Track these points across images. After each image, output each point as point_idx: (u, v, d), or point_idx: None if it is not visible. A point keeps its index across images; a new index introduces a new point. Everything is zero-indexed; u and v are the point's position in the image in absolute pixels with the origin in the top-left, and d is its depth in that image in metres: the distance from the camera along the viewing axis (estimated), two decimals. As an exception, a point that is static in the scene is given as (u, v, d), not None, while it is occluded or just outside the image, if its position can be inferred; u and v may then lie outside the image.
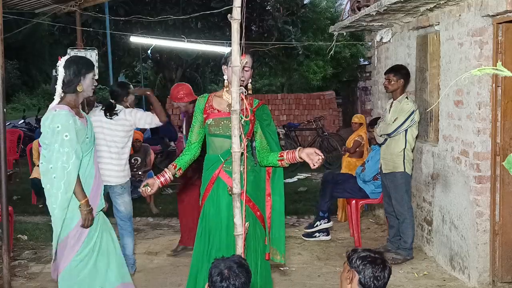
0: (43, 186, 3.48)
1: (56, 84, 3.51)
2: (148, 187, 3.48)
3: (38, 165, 8.58)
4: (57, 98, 3.49)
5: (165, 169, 3.55)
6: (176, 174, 3.55)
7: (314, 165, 3.21)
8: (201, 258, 3.49)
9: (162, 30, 13.30)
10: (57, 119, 3.37)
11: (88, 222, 3.51)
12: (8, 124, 13.95)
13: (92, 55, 6.62)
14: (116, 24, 13.63)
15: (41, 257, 5.79)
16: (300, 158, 3.29)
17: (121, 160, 5.00)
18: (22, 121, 17.07)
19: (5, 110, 4.46)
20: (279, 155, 3.41)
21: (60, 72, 3.48)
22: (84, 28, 9.31)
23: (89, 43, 12.86)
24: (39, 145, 8.70)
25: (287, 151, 3.41)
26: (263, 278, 3.52)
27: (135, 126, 5.06)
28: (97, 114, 4.96)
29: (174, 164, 3.56)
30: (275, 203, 3.56)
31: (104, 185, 4.86)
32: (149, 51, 12.69)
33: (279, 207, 3.57)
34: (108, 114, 4.94)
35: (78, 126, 3.45)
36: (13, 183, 9.89)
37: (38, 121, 15.06)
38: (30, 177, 8.72)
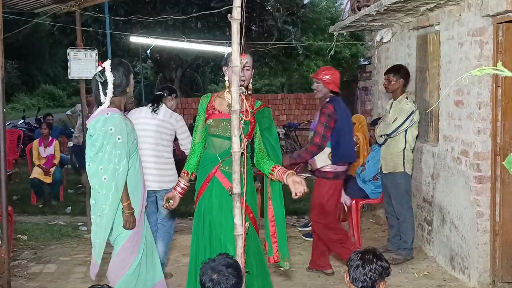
0: (91, 187, 3.52)
1: (99, 89, 3.55)
2: (171, 201, 3.59)
3: (38, 165, 8.62)
4: (107, 102, 3.54)
5: (179, 179, 3.67)
6: (190, 180, 3.67)
7: (296, 195, 3.21)
8: (195, 256, 3.53)
9: (162, 30, 13.30)
10: (110, 122, 3.43)
11: (130, 224, 3.55)
12: (8, 124, 13.95)
13: (92, 55, 6.61)
14: (116, 24, 13.64)
15: (41, 257, 5.79)
16: (286, 181, 3.27)
17: (170, 164, 4.92)
18: (22, 121, 17.06)
19: (5, 110, 4.45)
20: (271, 169, 3.40)
21: (109, 76, 3.53)
22: (84, 28, 9.30)
23: (89, 43, 12.87)
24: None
25: (279, 167, 3.37)
26: (260, 279, 3.51)
27: (177, 133, 5.02)
28: (143, 116, 4.92)
29: (185, 171, 3.65)
30: (275, 207, 3.55)
31: (151, 190, 4.82)
32: (148, 51, 12.71)
33: (279, 211, 3.56)
34: (155, 106, 4.93)
35: (129, 128, 3.54)
36: (13, 183, 9.89)
37: (38, 121, 15.05)
38: (30, 177, 8.72)
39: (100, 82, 3.54)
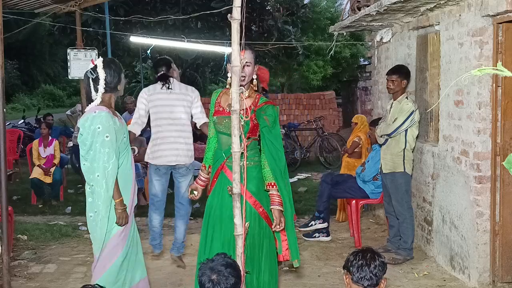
0: (87, 183, 3.56)
1: (91, 86, 3.60)
2: (195, 192, 3.75)
3: (38, 165, 8.62)
4: (98, 99, 3.59)
5: (199, 172, 3.77)
6: (208, 172, 3.75)
7: (272, 227, 3.46)
8: (203, 251, 3.56)
9: (162, 30, 13.28)
10: (97, 120, 3.47)
11: (122, 220, 3.59)
12: (8, 124, 13.95)
13: (92, 55, 6.61)
14: (116, 24, 13.63)
15: (41, 257, 5.79)
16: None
17: (189, 138, 4.92)
18: (22, 121, 17.04)
19: (5, 110, 4.46)
20: (267, 185, 3.51)
21: (101, 73, 3.59)
22: (84, 28, 9.31)
23: (89, 43, 12.85)
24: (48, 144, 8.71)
25: (273, 192, 3.48)
26: (268, 275, 3.52)
27: (192, 105, 4.94)
28: (158, 92, 4.87)
29: (204, 165, 3.76)
30: (285, 207, 3.57)
31: (168, 165, 4.87)
32: (148, 51, 12.69)
33: (288, 211, 3.57)
34: (165, 84, 4.85)
35: (117, 126, 3.57)
36: (13, 183, 9.89)
37: (38, 121, 15.04)
38: (30, 177, 8.72)
39: (92, 78, 3.60)
